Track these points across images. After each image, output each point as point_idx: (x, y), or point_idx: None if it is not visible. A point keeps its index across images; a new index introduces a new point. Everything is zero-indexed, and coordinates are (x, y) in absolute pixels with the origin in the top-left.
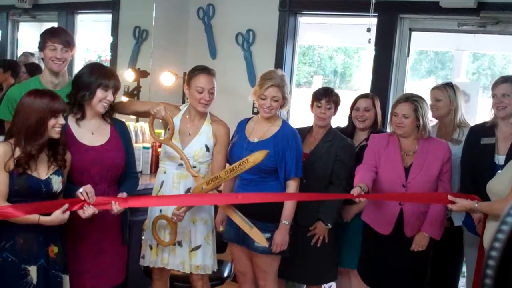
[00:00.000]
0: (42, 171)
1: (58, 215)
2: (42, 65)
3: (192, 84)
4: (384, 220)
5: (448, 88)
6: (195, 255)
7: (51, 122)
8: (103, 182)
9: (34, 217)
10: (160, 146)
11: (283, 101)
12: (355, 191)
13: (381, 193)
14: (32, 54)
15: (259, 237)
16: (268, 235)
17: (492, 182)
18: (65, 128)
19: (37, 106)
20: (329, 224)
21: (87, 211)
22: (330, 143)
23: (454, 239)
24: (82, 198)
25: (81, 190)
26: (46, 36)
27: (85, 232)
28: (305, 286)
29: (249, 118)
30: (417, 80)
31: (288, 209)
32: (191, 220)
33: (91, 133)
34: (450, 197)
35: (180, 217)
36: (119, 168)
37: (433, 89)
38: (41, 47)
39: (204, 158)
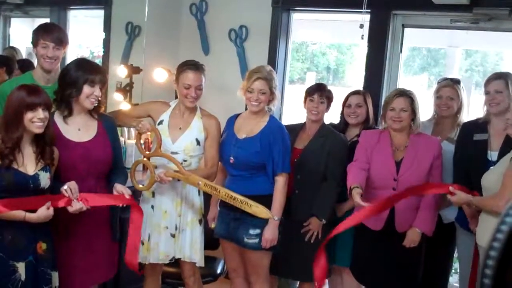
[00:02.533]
0: (30, 166)
1: (43, 212)
2: (34, 61)
3: (180, 80)
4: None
5: (458, 85)
6: (178, 239)
7: (28, 115)
8: (90, 178)
9: (20, 214)
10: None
11: (271, 96)
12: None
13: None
14: (14, 49)
15: (261, 211)
16: (258, 230)
17: (484, 177)
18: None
19: (14, 99)
20: (323, 220)
21: (74, 206)
22: (323, 139)
23: (444, 236)
24: (67, 195)
25: (65, 187)
26: (39, 33)
27: (74, 228)
28: (298, 283)
29: (238, 114)
30: (409, 77)
31: (278, 204)
32: (183, 204)
33: (77, 129)
34: (451, 189)
35: (164, 181)
36: (106, 164)
37: (444, 87)
38: (34, 44)
39: (195, 152)
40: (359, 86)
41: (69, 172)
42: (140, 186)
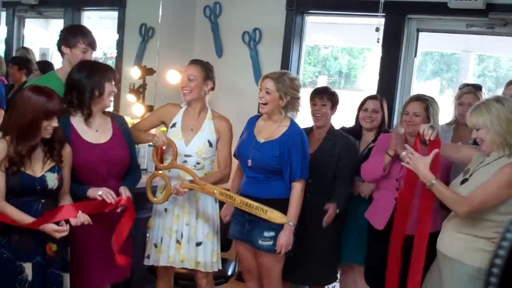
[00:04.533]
0: (37, 168)
1: (48, 228)
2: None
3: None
4: (379, 214)
5: (480, 92)
6: (197, 251)
7: (44, 123)
8: (112, 178)
9: (27, 220)
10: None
11: (280, 100)
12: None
13: None
14: (27, 50)
15: (277, 217)
16: (272, 233)
17: (463, 188)
18: (68, 127)
19: (33, 105)
20: (338, 210)
21: (79, 219)
22: (333, 142)
23: None
24: (108, 201)
25: (100, 192)
26: (78, 36)
27: (88, 230)
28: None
29: (260, 115)
30: (422, 82)
31: (294, 210)
32: (195, 215)
33: (95, 130)
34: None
35: (180, 192)
36: (125, 163)
37: (465, 93)
38: (69, 45)
39: (208, 154)
40: (371, 90)
41: (91, 174)
42: (155, 199)
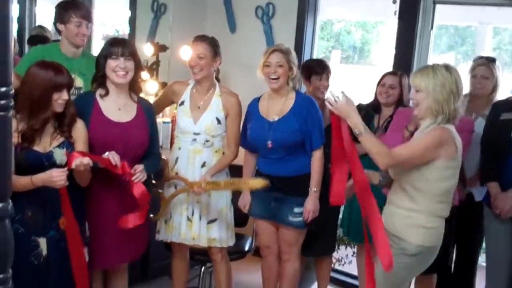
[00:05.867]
0: (46, 144)
1: (53, 173)
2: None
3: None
4: None
5: (494, 64)
6: (211, 228)
7: (55, 96)
8: (125, 159)
9: (26, 180)
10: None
11: (290, 71)
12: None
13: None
14: (44, 28)
15: (258, 182)
16: (302, 209)
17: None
18: (92, 102)
19: (41, 80)
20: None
21: (81, 161)
22: None
23: (475, 215)
24: (114, 163)
25: (106, 153)
26: (70, 10)
27: (107, 205)
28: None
29: (259, 98)
30: (436, 55)
31: (317, 176)
32: (207, 193)
33: (118, 109)
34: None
35: (203, 191)
36: (142, 147)
37: (478, 65)
38: (63, 21)
39: (217, 132)
40: (385, 65)
41: (105, 151)
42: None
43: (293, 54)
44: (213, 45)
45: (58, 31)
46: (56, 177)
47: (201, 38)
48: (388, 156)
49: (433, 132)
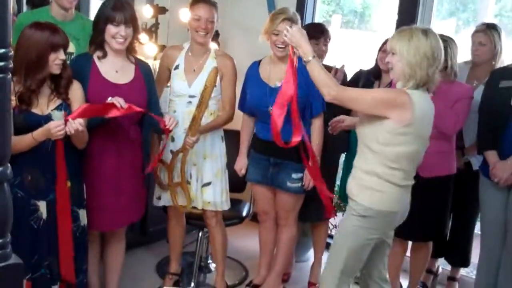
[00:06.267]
0: (44, 106)
1: (51, 125)
2: None
3: (191, 13)
4: None
5: (493, 31)
6: (205, 192)
7: (52, 56)
8: (126, 121)
9: (27, 138)
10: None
11: None
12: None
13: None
14: None
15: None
16: (300, 174)
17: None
18: (90, 64)
19: (37, 40)
20: None
21: (71, 126)
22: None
23: (473, 184)
24: (118, 105)
25: (109, 98)
26: None
27: (105, 168)
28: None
29: (259, 61)
30: (437, 21)
31: (316, 146)
32: (203, 156)
33: (115, 71)
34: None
35: (192, 144)
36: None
37: (476, 32)
38: None
39: (212, 94)
40: (386, 30)
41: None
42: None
43: (299, 20)
44: (216, 9)
45: None
46: (54, 128)
47: (209, 1)
48: (335, 88)
49: (389, 90)
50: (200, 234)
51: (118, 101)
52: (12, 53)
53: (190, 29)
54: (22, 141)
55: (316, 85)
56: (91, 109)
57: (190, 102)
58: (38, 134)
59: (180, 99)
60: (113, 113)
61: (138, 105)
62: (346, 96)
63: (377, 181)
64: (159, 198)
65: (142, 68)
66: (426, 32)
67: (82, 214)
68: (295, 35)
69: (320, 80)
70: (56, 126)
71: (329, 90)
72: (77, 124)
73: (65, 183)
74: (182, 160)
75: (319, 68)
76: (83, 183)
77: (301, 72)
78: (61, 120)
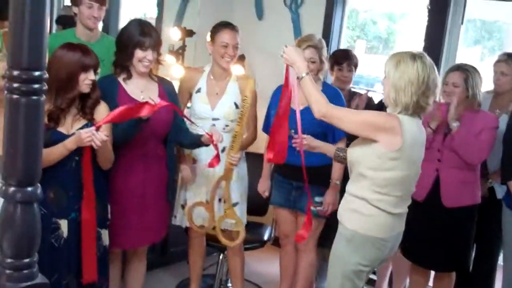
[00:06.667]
0: (69, 125)
1: (82, 134)
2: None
3: (217, 39)
4: (419, 185)
5: None
6: (234, 212)
7: (82, 76)
8: (152, 139)
9: (59, 148)
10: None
11: (321, 65)
12: None
13: None
14: (72, 8)
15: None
16: (321, 198)
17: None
18: (117, 85)
19: (68, 60)
20: None
21: (97, 137)
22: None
23: (497, 212)
24: (152, 103)
25: (142, 97)
26: None
27: (130, 188)
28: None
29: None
30: (462, 49)
31: (338, 169)
32: (230, 177)
33: (140, 91)
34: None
35: (237, 161)
36: (167, 126)
37: (498, 61)
38: (75, 3)
39: (235, 116)
40: None
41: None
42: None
43: (325, 47)
44: (239, 33)
45: (75, 15)
46: (85, 134)
47: (234, 27)
48: (324, 106)
49: (380, 114)
50: (220, 256)
51: (151, 98)
52: (46, 75)
53: (213, 55)
54: (54, 152)
55: (308, 101)
56: (123, 112)
57: (213, 125)
58: (70, 142)
59: (203, 122)
60: (146, 111)
61: (165, 122)
62: (335, 114)
63: (365, 205)
64: (175, 217)
65: (165, 86)
66: (415, 57)
67: (104, 234)
68: (290, 53)
69: (311, 97)
70: (87, 133)
71: (319, 107)
72: (101, 135)
73: (92, 198)
74: (226, 186)
75: (311, 85)
76: (108, 203)
77: (324, 92)
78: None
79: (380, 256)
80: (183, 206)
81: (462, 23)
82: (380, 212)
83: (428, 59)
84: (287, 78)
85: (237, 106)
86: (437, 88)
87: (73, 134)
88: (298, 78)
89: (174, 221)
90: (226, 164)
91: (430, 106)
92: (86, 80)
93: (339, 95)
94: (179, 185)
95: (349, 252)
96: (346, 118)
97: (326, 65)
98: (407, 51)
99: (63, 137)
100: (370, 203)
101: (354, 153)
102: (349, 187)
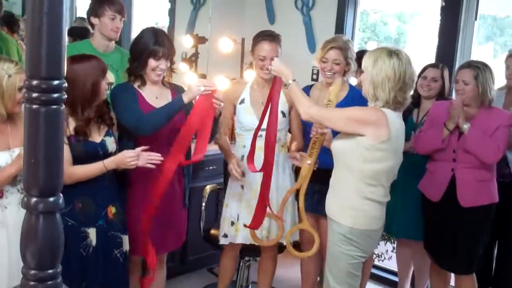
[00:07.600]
0: (95, 134)
1: (126, 155)
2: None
3: (255, 51)
4: (434, 186)
5: None
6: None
7: (103, 82)
8: (169, 145)
9: (98, 166)
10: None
11: (347, 67)
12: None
13: None
14: (85, 19)
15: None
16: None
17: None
18: (135, 91)
19: (89, 70)
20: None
21: (144, 159)
22: None
23: None
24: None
25: (202, 88)
26: (105, 4)
27: (149, 195)
28: None
29: (311, 85)
30: (475, 47)
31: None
32: (275, 189)
33: (155, 97)
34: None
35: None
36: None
37: (510, 56)
38: (97, 14)
39: (282, 125)
40: (421, 56)
41: (151, 138)
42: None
43: (352, 48)
44: (279, 42)
45: (91, 25)
46: (129, 158)
47: (273, 38)
48: (311, 108)
49: (364, 108)
50: (241, 263)
51: (205, 84)
52: (65, 84)
53: (255, 66)
54: (93, 171)
55: (295, 105)
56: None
57: (261, 135)
58: (111, 163)
59: (250, 133)
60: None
61: (180, 128)
62: (321, 114)
63: (356, 199)
64: (225, 236)
65: (177, 92)
66: (392, 53)
67: (125, 240)
68: (276, 65)
69: (298, 101)
70: (131, 157)
71: (306, 109)
72: (155, 157)
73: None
74: (301, 195)
75: (298, 90)
76: (126, 209)
77: (351, 98)
78: (113, 145)
79: (375, 245)
80: (232, 223)
81: (475, 19)
82: (374, 203)
83: (404, 55)
84: (272, 89)
85: (284, 115)
86: (414, 83)
87: (102, 141)
88: (285, 85)
89: (225, 240)
90: (304, 171)
91: (408, 100)
92: (104, 85)
93: (363, 98)
94: (225, 203)
95: (348, 248)
96: (332, 117)
97: (352, 67)
98: (384, 47)
99: (95, 145)
100: (363, 196)
101: (341, 148)
102: (336, 182)
